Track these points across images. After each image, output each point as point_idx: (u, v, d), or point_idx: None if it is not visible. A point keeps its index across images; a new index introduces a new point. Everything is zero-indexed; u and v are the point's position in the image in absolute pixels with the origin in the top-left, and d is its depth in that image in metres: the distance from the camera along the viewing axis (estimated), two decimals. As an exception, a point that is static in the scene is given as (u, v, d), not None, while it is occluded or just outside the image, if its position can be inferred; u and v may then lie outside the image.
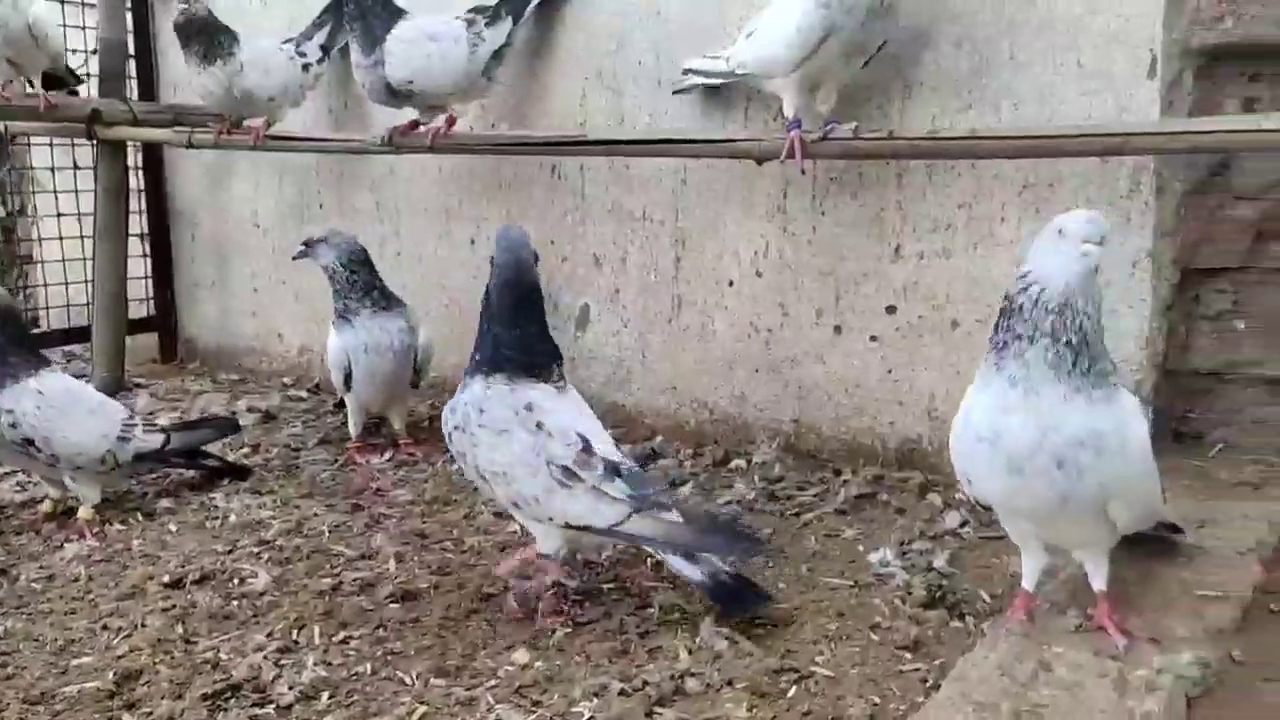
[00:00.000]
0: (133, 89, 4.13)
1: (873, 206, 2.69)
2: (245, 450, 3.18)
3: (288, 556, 2.40)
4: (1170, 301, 2.44)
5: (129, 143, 4.00)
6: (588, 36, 3.10)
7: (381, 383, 3.07)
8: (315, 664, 1.89)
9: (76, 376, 3.10)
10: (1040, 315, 1.59)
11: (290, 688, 1.81)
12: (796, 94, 2.49)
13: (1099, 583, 1.73)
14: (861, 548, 2.31)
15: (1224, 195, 2.39)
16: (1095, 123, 2.31)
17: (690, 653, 1.88)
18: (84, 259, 4.13)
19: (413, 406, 3.28)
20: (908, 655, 1.85)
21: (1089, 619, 1.74)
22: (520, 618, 2.05)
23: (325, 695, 1.80)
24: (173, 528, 2.62)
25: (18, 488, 2.94)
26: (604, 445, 2.07)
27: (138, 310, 4.31)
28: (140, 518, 2.68)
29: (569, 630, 1.99)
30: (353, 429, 3.15)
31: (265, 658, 1.91)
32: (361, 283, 3.04)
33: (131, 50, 4.11)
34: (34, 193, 4.79)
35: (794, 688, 1.76)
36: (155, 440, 2.75)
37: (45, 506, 2.71)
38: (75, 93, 3.90)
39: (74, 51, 4.06)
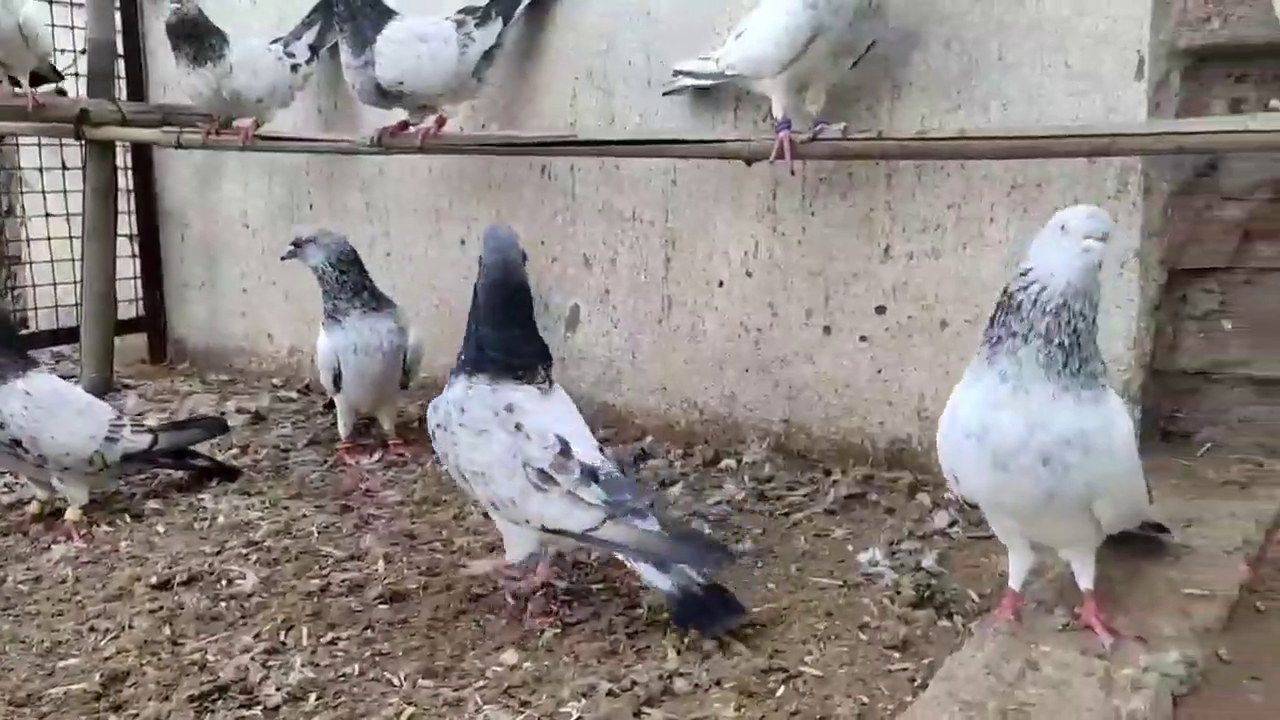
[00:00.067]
0: (121, 89, 4.11)
1: (862, 207, 2.69)
2: (234, 451, 3.17)
3: (276, 557, 2.39)
4: (1158, 301, 2.45)
5: (118, 143, 3.98)
6: (578, 37, 3.10)
7: (371, 383, 3.07)
8: (303, 665, 1.88)
9: (65, 377, 3.09)
10: (1037, 316, 1.60)
11: (278, 689, 1.80)
12: (785, 95, 2.49)
13: (1085, 582, 1.74)
14: (851, 547, 2.32)
15: (1211, 196, 2.40)
16: (1083, 123, 2.31)
17: (679, 653, 1.87)
18: (73, 259, 4.11)
19: (402, 407, 3.28)
20: (896, 655, 1.85)
21: (1076, 618, 1.75)
22: (514, 614, 2.04)
23: (313, 696, 1.80)
24: (161, 529, 2.61)
25: (5, 489, 2.93)
26: (584, 448, 2.04)
27: (127, 311, 4.30)
28: (128, 519, 2.67)
29: (557, 631, 1.98)
30: (342, 430, 3.14)
31: (253, 659, 1.91)
32: (351, 283, 3.03)
33: (120, 50, 4.09)
34: (22, 193, 4.77)
35: (782, 687, 1.76)
36: (143, 441, 2.74)
37: (33, 508, 2.70)
38: (63, 92, 3.89)
39: (63, 51, 4.05)
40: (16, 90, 3.51)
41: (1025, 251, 1.69)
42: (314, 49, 3.49)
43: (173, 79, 3.75)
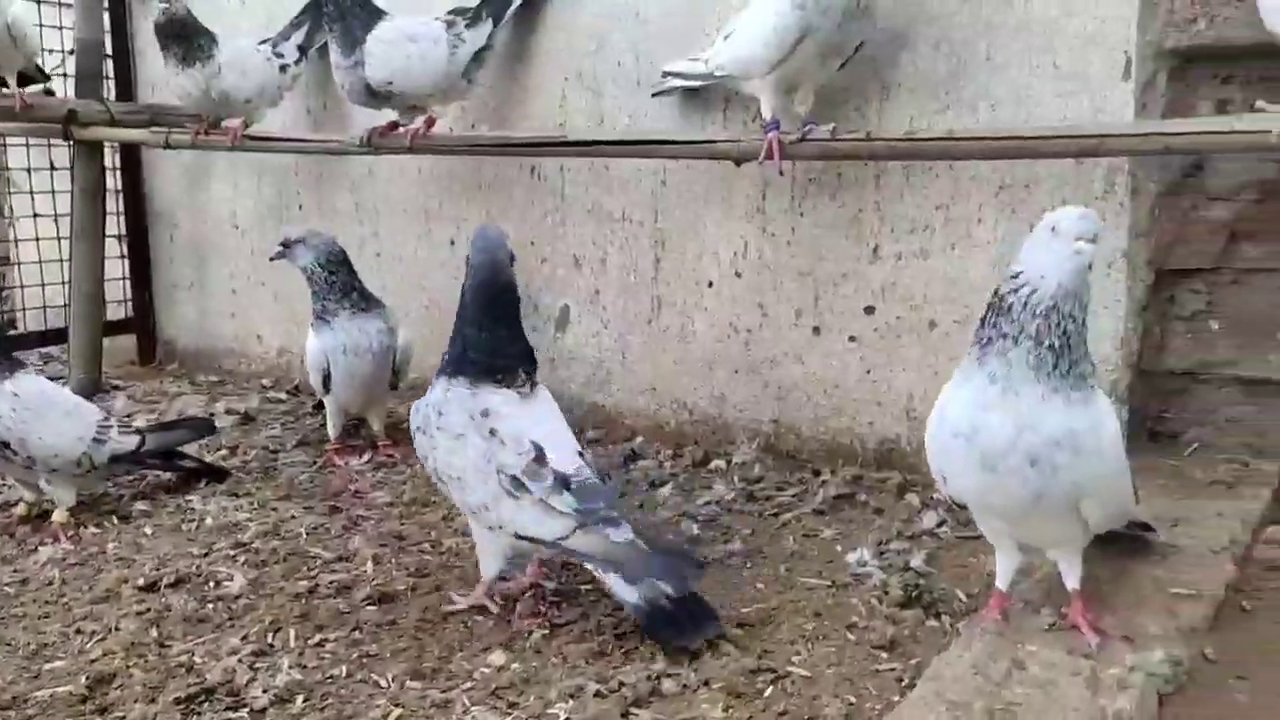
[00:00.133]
0: (110, 89, 4.10)
1: (851, 207, 2.70)
2: (223, 452, 3.16)
3: (264, 559, 2.38)
4: (1145, 302, 2.46)
5: (106, 143, 3.97)
6: (568, 37, 3.10)
7: (360, 384, 3.06)
8: (290, 667, 1.88)
9: (53, 378, 3.08)
10: (1027, 318, 1.60)
11: (264, 691, 1.80)
12: (774, 95, 2.49)
13: (1072, 581, 1.74)
14: (839, 548, 2.32)
15: (1198, 196, 2.41)
16: (1071, 124, 2.32)
17: (667, 654, 1.87)
18: (61, 260, 4.10)
19: (392, 408, 3.27)
20: (884, 655, 1.85)
21: (1062, 617, 1.75)
22: (501, 615, 2.04)
23: (300, 698, 1.79)
24: (148, 530, 2.60)
25: (-8, 491, 2.92)
26: (560, 454, 2.00)
27: (116, 312, 4.29)
28: (116, 520, 2.66)
29: (546, 632, 1.98)
30: (331, 431, 3.13)
31: (240, 661, 1.90)
32: (340, 284, 3.03)
33: (109, 50, 4.08)
34: (10, 194, 4.76)
35: (770, 688, 1.76)
36: (130, 442, 2.73)
37: (20, 509, 2.69)
38: (51, 92, 3.87)
39: (51, 51, 4.03)
40: (4, 90, 3.50)
41: (1014, 253, 1.69)
42: (303, 49, 3.48)
43: (161, 79, 3.74)
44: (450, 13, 3.05)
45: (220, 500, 2.77)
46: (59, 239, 4.12)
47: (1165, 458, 2.46)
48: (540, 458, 1.97)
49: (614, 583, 1.91)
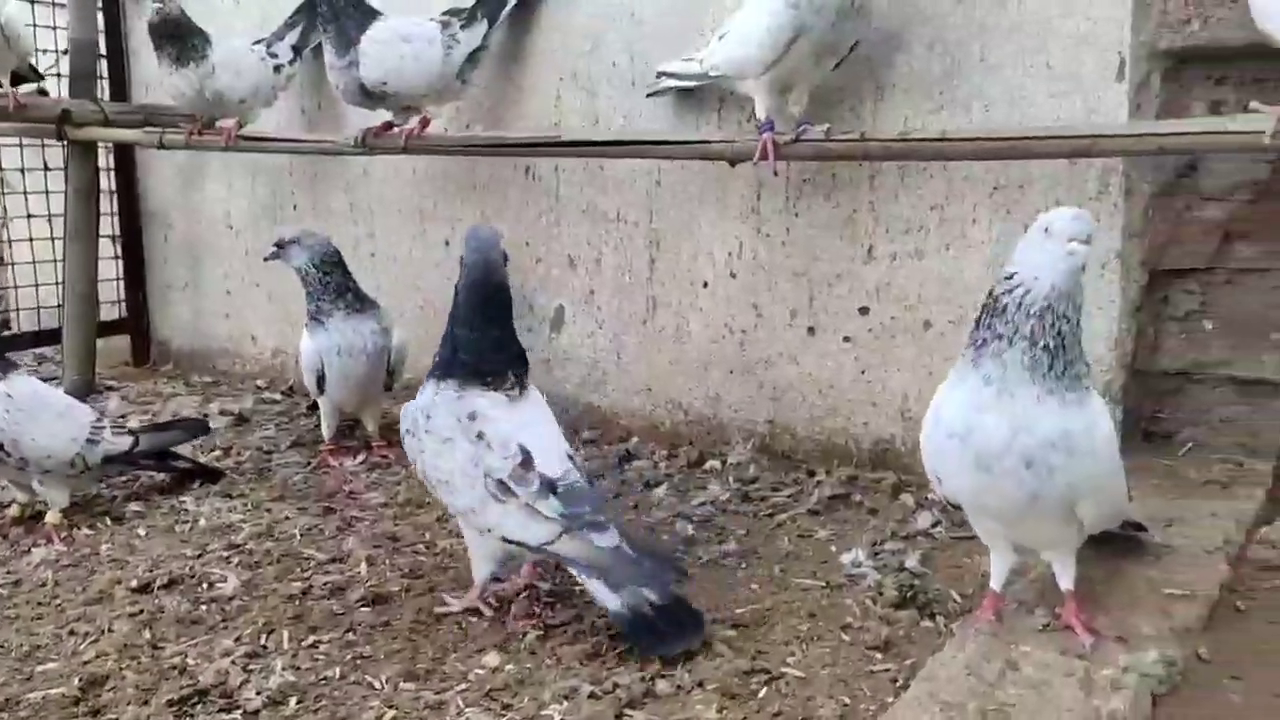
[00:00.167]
0: (104, 89, 4.09)
1: (846, 208, 2.70)
2: (217, 453, 3.16)
3: (258, 560, 2.38)
4: (1139, 302, 2.46)
5: (100, 143, 3.96)
6: (563, 38, 3.09)
7: (355, 385, 3.06)
8: (283, 669, 1.87)
9: (47, 379, 3.07)
10: (1021, 318, 1.60)
11: (258, 693, 1.79)
12: (768, 95, 2.49)
13: (1066, 582, 1.74)
14: (834, 548, 2.32)
15: (1191, 196, 2.41)
16: (1064, 124, 2.32)
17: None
18: (55, 261, 4.08)
19: (387, 408, 3.26)
20: (878, 655, 1.85)
21: (1056, 618, 1.76)
22: (496, 617, 2.04)
23: (293, 700, 1.79)
24: (142, 532, 2.60)
25: (-15, 492, 2.91)
26: (547, 458, 1.99)
27: (110, 312, 4.27)
28: (109, 522, 2.66)
29: (540, 633, 1.98)
30: (325, 431, 3.13)
31: (233, 663, 1.90)
32: (335, 285, 3.02)
33: (103, 50, 4.07)
34: (4, 194, 4.73)
35: (764, 689, 1.76)
36: (124, 443, 2.72)
37: (13, 511, 2.68)
38: (45, 92, 3.86)
39: (44, 51, 4.02)
40: (-3, 91, 3.49)
41: (1009, 253, 1.69)
42: (297, 49, 3.48)
43: (155, 79, 3.72)
44: (445, 13, 3.05)
45: (214, 501, 2.76)
46: (53, 239, 4.10)
47: (1159, 458, 2.46)
48: (527, 461, 1.96)
49: (596, 589, 1.90)
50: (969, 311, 2.35)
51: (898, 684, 1.75)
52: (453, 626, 2.04)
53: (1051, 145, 2.26)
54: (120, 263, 4.33)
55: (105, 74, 4.12)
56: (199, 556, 2.41)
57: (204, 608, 2.15)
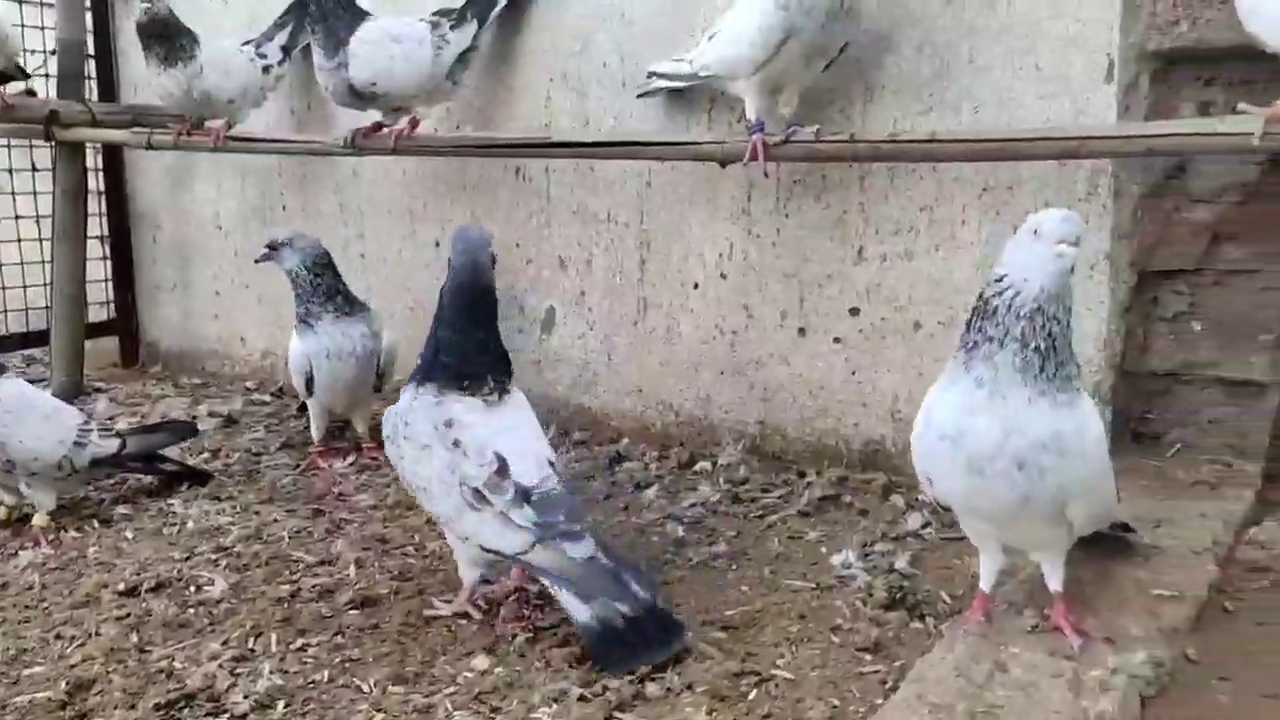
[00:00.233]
0: (92, 90, 4.07)
1: (836, 209, 2.70)
2: (205, 455, 3.15)
3: (246, 563, 2.37)
4: (1128, 303, 2.46)
5: (88, 144, 3.94)
6: (553, 38, 3.09)
7: (344, 388, 3.05)
8: (271, 672, 1.86)
9: (35, 381, 3.06)
10: (1012, 321, 1.60)
11: (245, 697, 1.78)
12: (759, 96, 2.49)
13: (1055, 583, 1.75)
14: (824, 549, 2.32)
15: (1180, 198, 2.42)
16: (1053, 126, 2.32)
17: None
18: (43, 262, 4.06)
19: (376, 410, 3.24)
20: (868, 657, 1.85)
21: (1045, 619, 1.76)
22: (485, 619, 2.03)
23: (281, 704, 1.78)
24: (129, 534, 2.58)
25: (-29, 495, 2.89)
26: (524, 465, 1.96)
27: (98, 314, 4.26)
28: (96, 524, 2.64)
29: (529, 636, 1.97)
30: (315, 433, 3.12)
31: (220, 666, 1.89)
32: (325, 287, 3.01)
33: (91, 50, 4.05)
34: (-9, 194, 4.71)
35: (754, 691, 1.76)
36: (111, 445, 2.71)
37: (-1, 514, 2.67)
38: (33, 93, 3.85)
39: (32, 51, 4.00)
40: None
41: (998, 255, 1.69)
42: (286, 50, 3.46)
43: (144, 79, 3.71)
44: (435, 14, 3.04)
45: (202, 504, 2.75)
46: (40, 240, 4.08)
47: (1148, 459, 2.47)
48: (503, 469, 1.94)
49: (567, 599, 1.88)
50: (959, 312, 2.36)
51: (887, 685, 1.75)
52: (442, 629, 2.03)
53: (1040, 147, 2.26)
54: (109, 264, 4.32)
55: (93, 74, 4.11)
56: (187, 559, 2.40)
57: (191, 611, 2.14)
